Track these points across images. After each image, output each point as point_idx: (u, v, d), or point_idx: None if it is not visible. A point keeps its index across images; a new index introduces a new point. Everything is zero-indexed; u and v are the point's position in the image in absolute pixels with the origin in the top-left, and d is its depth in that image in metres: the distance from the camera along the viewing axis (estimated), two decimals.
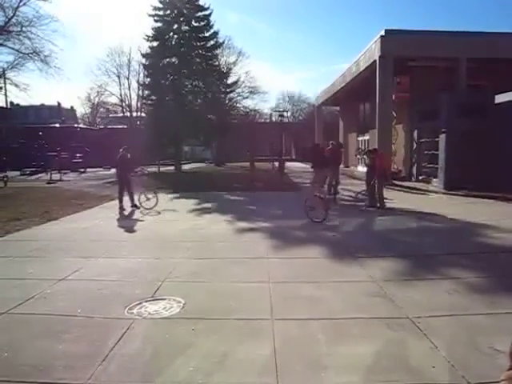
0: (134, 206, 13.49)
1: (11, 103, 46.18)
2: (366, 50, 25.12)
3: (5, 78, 33.78)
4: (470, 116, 17.65)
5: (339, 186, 16.05)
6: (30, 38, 30.83)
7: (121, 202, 13.45)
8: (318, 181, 11.27)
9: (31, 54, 31.52)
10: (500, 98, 17.94)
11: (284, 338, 4.24)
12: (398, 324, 4.53)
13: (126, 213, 13.05)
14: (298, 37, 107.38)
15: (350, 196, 13.97)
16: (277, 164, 31.35)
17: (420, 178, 22.40)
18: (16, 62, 32.66)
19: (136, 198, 13.63)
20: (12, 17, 30.22)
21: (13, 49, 31.79)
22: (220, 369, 3.69)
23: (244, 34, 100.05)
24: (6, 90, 35.95)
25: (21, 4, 30.08)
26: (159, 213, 12.74)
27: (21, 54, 31.96)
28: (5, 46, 31.48)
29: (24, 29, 30.57)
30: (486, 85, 21.71)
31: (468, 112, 17.77)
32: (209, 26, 33.06)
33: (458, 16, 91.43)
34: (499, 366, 3.40)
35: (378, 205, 13.17)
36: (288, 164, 40.28)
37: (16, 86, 32.98)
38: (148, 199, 13.51)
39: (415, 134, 23.20)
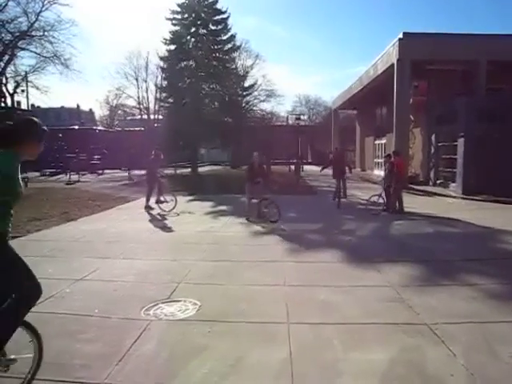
0: (148, 206, 13.67)
1: (32, 105, 47.00)
2: (384, 54, 24.98)
3: (27, 81, 34.42)
4: (489, 120, 17.43)
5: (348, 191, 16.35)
6: (51, 42, 31.49)
7: (148, 201, 13.78)
8: (253, 192, 11.98)
9: (52, 57, 32.17)
10: None
11: (299, 342, 4.23)
12: (414, 330, 4.48)
13: (152, 212, 13.26)
14: (315, 40, 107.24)
15: (366, 200, 13.86)
16: (293, 167, 31.27)
17: (438, 182, 22.17)
18: (38, 66, 33.34)
19: (153, 200, 13.83)
20: (35, 22, 30.88)
21: (35, 52, 32.49)
22: (235, 372, 3.69)
23: (261, 38, 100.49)
24: (27, 92, 36.59)
25: (43, 9, 30.73)
26: (177, 214, 12.84)
27: (42, 58, 32.59)
28: (27, 49, 32.12)
29: (46, 33, 31.24)
30: (506, 88, 21.42)
31: (487, 116, 17.55)
32: (226, 29, 33.21)
33: (477, 20, 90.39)
34: None
35: (397, 209, 13.06)
36: (304, 167, 40.21)
37: (37, 88, 33.66)
38: (166, 201, 13.67)
39: (433, 137, 22.98)
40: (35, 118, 3.30)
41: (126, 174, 29.43)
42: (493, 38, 22.20)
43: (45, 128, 3.33)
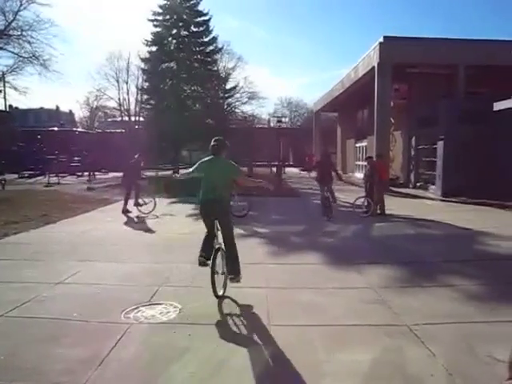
0: (126, 210, 13.55)
1: (10, 106, 46.16)
2: (365, 57, 25.21)
3: (4, 82, 33.73)
4: (468, 123, 17.71)
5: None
6: (29, 42, 30.81)
7: (126, 204, 13.61)
8: None
9: (31, 57, 31.44)
10: (498, 106, 18.01)
11: (281, 344, 4.22)
12: (395, 331, 4.51)
13: (130, 215, 13.12)
14: (297, 43, 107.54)
15: (352, 203, 13.95)
16: (275, 169, 31.32)
17: (418, 184, 22.43)
18: (16, 66, 32.59)
19: (131, 202, 13.70)
20: (12, 21, 30.21)
21: (13, 52, 31.75)
22: (216, 375, 3.67)
23: (243, 40, 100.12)
24: (5, 93, 35.91)
25: (21, 8, 30.06)
26: (157, 217, 12.74)
27: (20, 58, 31.89)
28: (5, 49, 31.45)
29: (24, 33, 30.54)
30: (484, 92, 21.79)
31: (466, 119, 17.83)
32: (208, 31, 33.09)
33: (457, 24, 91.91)
34: (498, 375, 3.41)
35: (379, 211, 13.15)
36: (286, 169, 40.36)
37: (15, 89, 32.90)
38: (145, 203, 13.56)
39: (413, 140, 23.26)
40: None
41: (88, 178, 27.87)
42: (472, 43, 22.62)
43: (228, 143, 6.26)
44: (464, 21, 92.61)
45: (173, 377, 3.64)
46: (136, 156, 14.26)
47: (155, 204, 13.56)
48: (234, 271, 5.66)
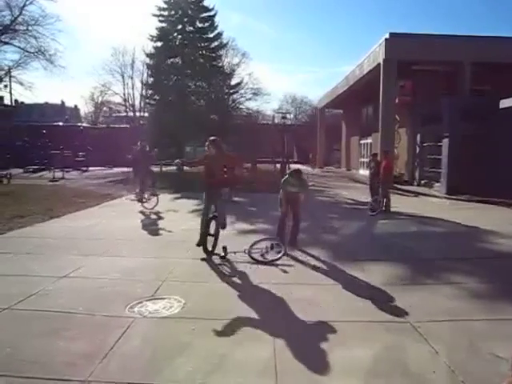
0: (141, 199, 13.57)
1: (16, 101, 46.29)
2: (370, 53, 25.13)
3: (10, 77, 33.80)
4: (473, 121, 17.62)
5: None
6: (35, 37, 30.87)
7: (142, 192, 13.68)
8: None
9: (36, 52, 31.53)
10: (505, 103, 17.89)
11: (283, 340, 4.23)
12: (398, 328, 4.53)
13: (137, 210, 13.10)
14: (302, 39, 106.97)
15: (353, 199, 13.94)
16: (279, 166, 31.24)
17: (422, 182, 22.37)
18: (21, 61, 32.66)
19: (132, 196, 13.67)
20: (18, 16, 30.27)
21: (19, 47, 31.83)
22: (219, 369, 3.69)
23: (246, 36, 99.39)
24: (11, 88, 36.01)
25: (27, 3, 30.11)
26: (161, 213, 12.75)
27: (26, 53, 31.98)
28: (11, 44, 31.53)
29: (30, 28, 30.61)
30: (490, 90, 21.69)
31: (471, 117, 17.74)
32: (213, 26, 33.08)
33: (462, 21, 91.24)
34: (500, 373, 3.42)
35: (384, 208, 13.10)
36: (290, 166, 40.23)
37: (21, 84, 32.97)
38: (148, 200, 13.50)
39: (418, 137, 23.17)
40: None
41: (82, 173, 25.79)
42: (477, 40, 22.49)
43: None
44: (469, 20, 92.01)
45: (176, 370, 3.67)
46: (139, 143, 14.20)
47: (158, 200, 13.49)
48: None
